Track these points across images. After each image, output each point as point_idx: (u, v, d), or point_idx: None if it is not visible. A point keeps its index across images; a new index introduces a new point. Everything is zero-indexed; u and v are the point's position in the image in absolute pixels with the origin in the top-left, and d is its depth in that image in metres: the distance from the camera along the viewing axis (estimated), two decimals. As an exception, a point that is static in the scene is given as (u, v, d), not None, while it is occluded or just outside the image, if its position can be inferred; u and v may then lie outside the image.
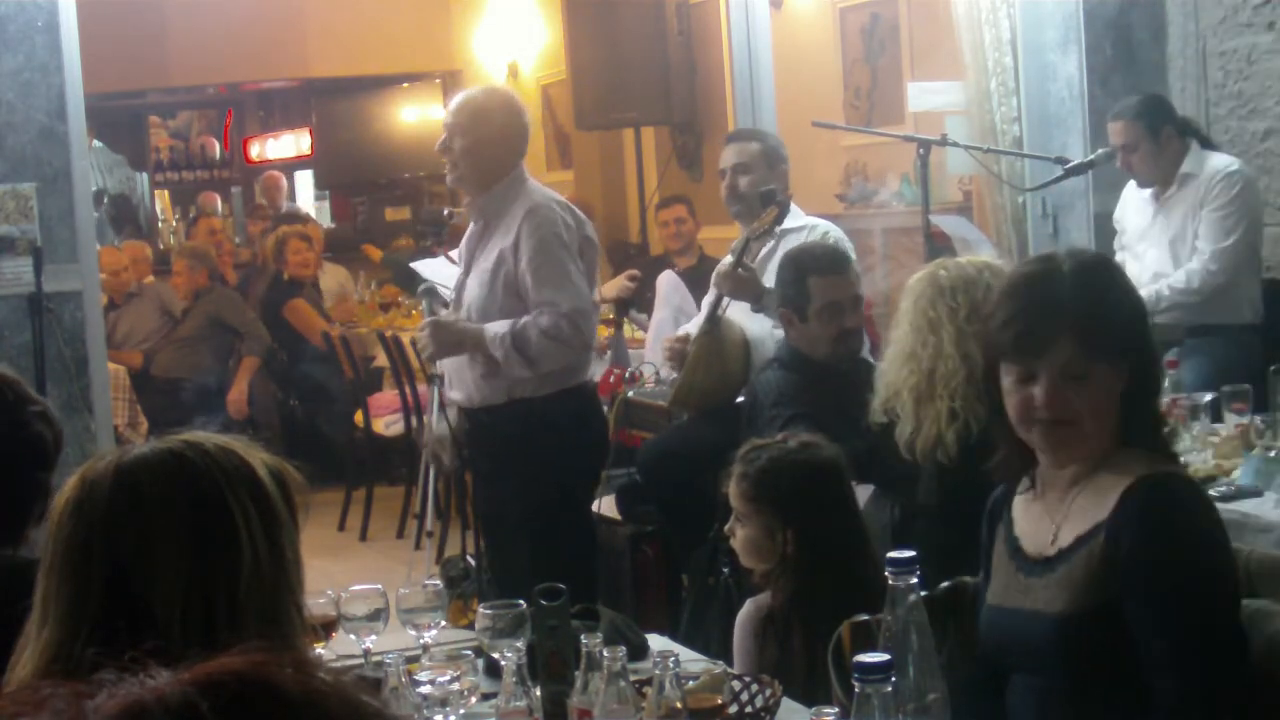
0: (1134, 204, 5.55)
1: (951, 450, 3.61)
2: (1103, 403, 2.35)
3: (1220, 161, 5.33)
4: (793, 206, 4.97)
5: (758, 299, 4.72)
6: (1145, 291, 4.78)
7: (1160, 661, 2.24)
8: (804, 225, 4.95)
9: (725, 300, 4.83)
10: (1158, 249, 5.39)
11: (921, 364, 3.67)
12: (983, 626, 2.50)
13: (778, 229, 4.85)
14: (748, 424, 4.28)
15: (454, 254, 4.89)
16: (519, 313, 4.35)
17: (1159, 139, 5.31)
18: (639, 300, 6.88)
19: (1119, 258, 5.66)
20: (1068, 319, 2.34)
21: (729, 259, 4.90)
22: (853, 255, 4.95)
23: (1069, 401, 2.33)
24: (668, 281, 6.29)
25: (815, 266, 4.32)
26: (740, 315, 4.90)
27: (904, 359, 3.72)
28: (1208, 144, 5.44)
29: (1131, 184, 5.54)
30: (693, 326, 5.16)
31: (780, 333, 4.83)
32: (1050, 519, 2.42)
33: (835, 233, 4.95)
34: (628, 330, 6.68)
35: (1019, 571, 2.43)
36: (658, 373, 5.56)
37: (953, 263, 3.77)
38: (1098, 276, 2.43)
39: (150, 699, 0.89)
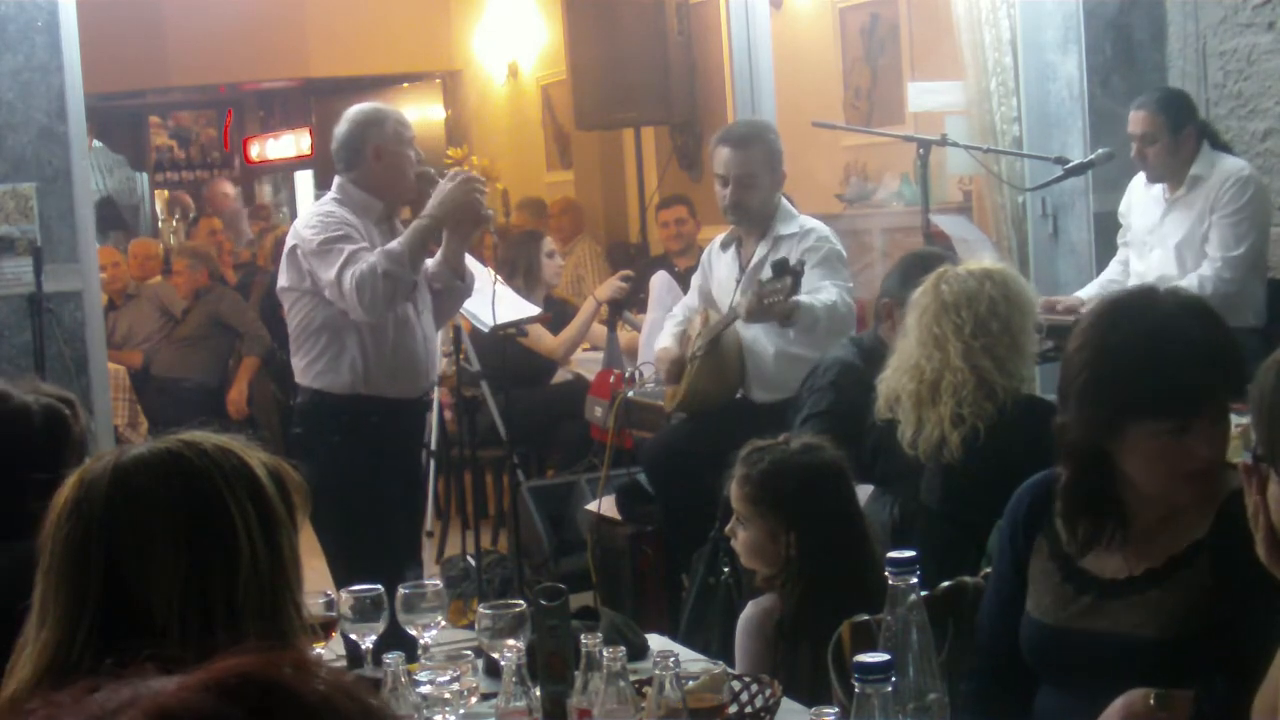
0: (1141, 201, 5.48)
1: (956, 452, 3.59)
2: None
3: (1232, 165, 5.25)
4: (787, 206, 4.92)
5: (788, 316, 4.55)
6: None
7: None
8: (797, 231, 4.83)
9: (737, 322, 4.74)
10: (1163, 250, 5.35)
11: (924, 375, 3.64)
12: (1032, 642, 2.42)
13: (777, 235, 4.82)
14: (803, 390, 4.29)
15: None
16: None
17: (1179, 135, 5.23)
18: (632, 301, 6.86)
19: (1121, 255, 5.64)
20: (1213, 365, 2.29)
21: (749, 297, 4.54)
22: (845, 257, 4.89)
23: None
24: (661, 282, 6.27)
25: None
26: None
27: (907, 369, 3.69)
28: (1218, 144, 5.39)
29: (1137, 179, 5.49)
30: (670, 339, 5.09)
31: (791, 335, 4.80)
32: (1120, 541, 2.35)
33: (830, 237, 4.89)
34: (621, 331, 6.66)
35: (1082, 593, 2.35)
36: (657, 373, 5.54)
37: (954, 276, 3.69)
38: (1212, 315, 2.37)
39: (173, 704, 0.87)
